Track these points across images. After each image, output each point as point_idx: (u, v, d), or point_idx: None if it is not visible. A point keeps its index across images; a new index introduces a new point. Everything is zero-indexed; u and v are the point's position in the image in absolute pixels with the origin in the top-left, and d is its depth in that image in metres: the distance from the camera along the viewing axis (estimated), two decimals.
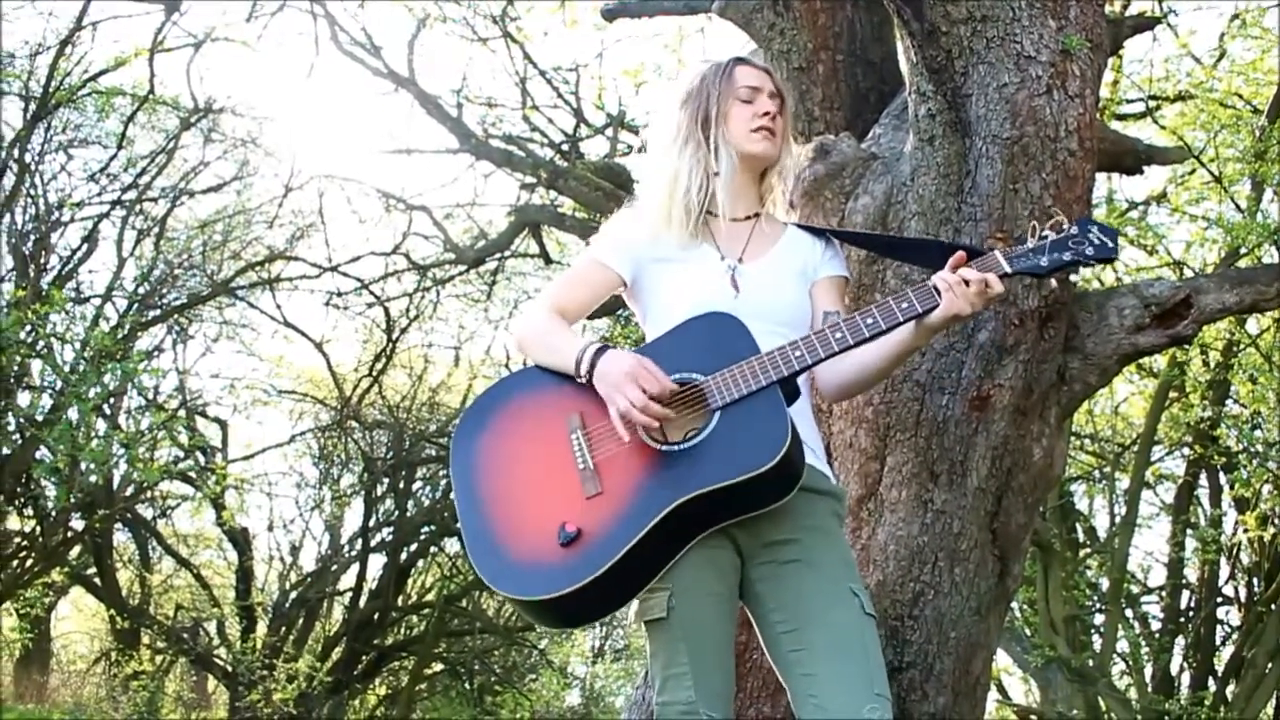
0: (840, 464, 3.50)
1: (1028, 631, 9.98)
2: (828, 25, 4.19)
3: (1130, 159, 4.43)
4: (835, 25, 4.20)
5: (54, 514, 11.01)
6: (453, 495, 2.72)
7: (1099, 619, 10.32)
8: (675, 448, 2.56)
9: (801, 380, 2.72)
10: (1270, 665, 8.70)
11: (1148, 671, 10.08)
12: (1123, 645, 10.13)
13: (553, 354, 2.73)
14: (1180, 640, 10.47)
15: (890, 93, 4.17)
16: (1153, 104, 8.70)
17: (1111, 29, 4.12)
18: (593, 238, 2.98)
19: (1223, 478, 10.17)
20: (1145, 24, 5.09)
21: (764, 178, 2.94)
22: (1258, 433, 9.61)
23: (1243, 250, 7.77)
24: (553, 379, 2.73)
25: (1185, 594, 10.68)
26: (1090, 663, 9.11)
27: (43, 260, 10.83)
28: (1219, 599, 10.34)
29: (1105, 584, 9.90)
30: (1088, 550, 10.65)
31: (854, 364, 2.78)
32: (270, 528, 15.04)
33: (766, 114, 2.85)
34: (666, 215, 2.83)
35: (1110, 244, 2.65)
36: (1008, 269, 2.66)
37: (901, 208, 3.46)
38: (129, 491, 12.23)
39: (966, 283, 2.62)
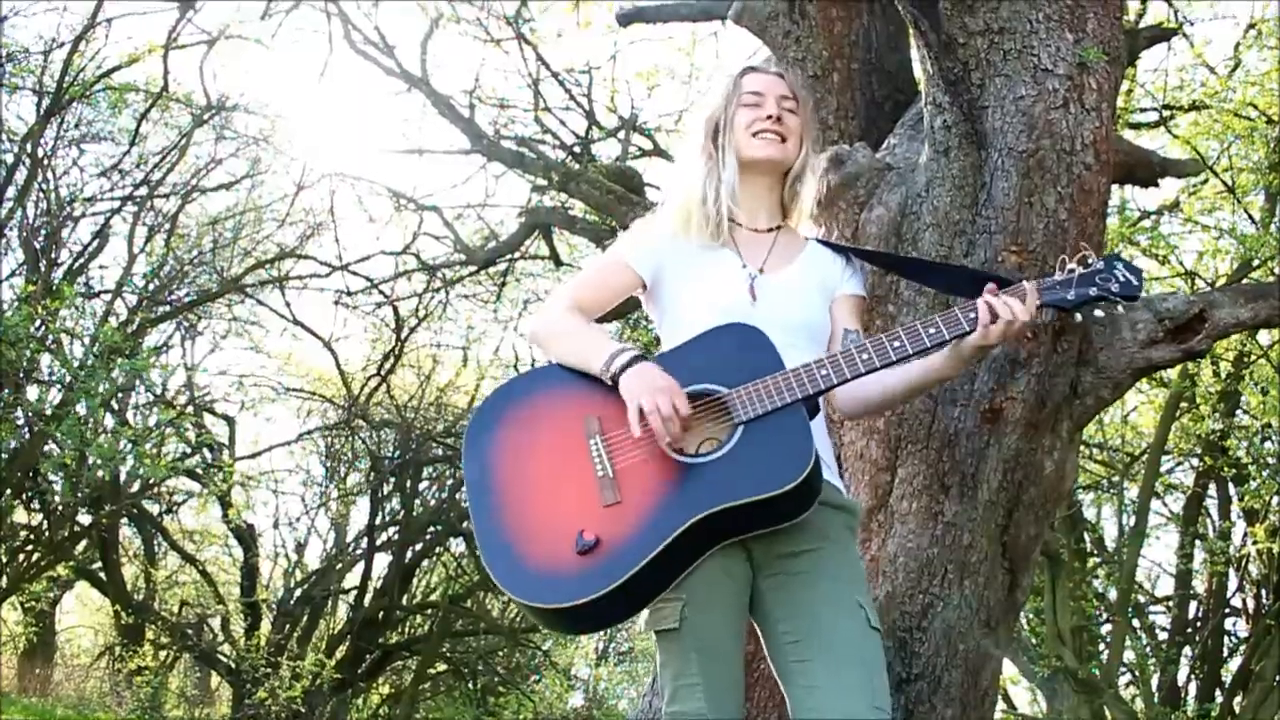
0: (851, 475, 3.49)
1: (1034, 641, 9.96)
2: (844, 33, 4.17)
3: (1145, 171, 4.41)
4: (851, 34, 4.18)
5: (60, 509, 11.03)
6: (465, 496, 2.70)
7: (1106, 629, 10.29)
8: (697, 460, 2.55)
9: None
10: (1278, 678, 8.67)
11: (1154, 682, 10.06)
12: (1129, 656, 10.10)
13: (577, 347, 2.71)
14: (1187, 651, 10.44)
15: (906, 102, 4.16)
16: (1167, 113, 8.67)
17: (1128, 40, 4.10)
18: (614, 239, 2.99)
19: (1232, 489, 10.14)
20: (1162, 35, 5.08)
21: (785, 187, 2.92)
22: (1268, 444, 9.58)
23: (1255, 262, 7.75)
24: (569, 380, 2.70)
25: (1193, 604, 10.65)
26: (1096, 673, 9.09)
27: (54, 255, 10.84)
28: (1227, 610, 10.31)
29: (1113, 594, 9.87)
30: (1097, 560, 10.62)
31: (877, 386, 2.78)
32: (276, 525, 15.10)
33: (768, 116, 2.85)
34: (685, 220, 2.84)
35: (1135, 282, 2.67)
36: (1035, 300, 2.67)
37: (916, 219, 3.45)
38: (135, 487, 12.24)
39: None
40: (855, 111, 4.18)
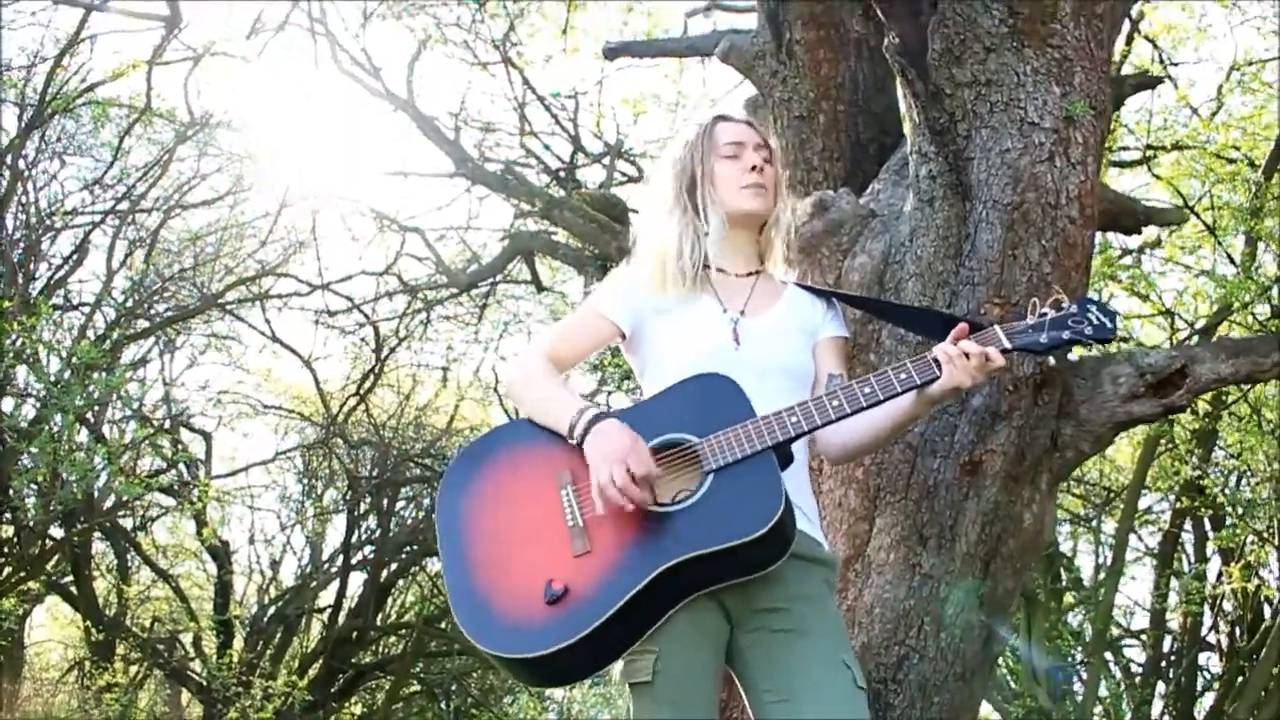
0: (829, 524, 3.46)
1: (1009, 680, 9.94)
2: (831, 75, 4.18)
3: (1129, 219, 4.43)
4: (838, 75, 4.19)
5: (33, 524, 10.91)
6: (438, 547, 2.66)
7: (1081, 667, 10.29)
8: (667, 509, 2.52)
9: (799, 443, 2.68)
10: (1251, 719, 8.68)
11: None
12: (1103, 692, 10.09)
13: (545, 413, 2.69)
14: (1161, 688, 10.44)
15: (891, 144, 4.16)
16: (1149, 153, 8.71)
17: (1113, 87, 4.11)
18: (593, 289, 2.96)
19: (1208, 526, 10.16)
20: (1146, 83, 5.10)
21: (760, 233, 2.91)
22: (1244, 484, 9.60)
23: (1235, 305, 7.77)
24: (544, 433, 2.69)
25: (1168, 639, 10.66)
26: (1070, 710, 9.08)
27: (32, 268, 10.75)
28: (1200, 646, 10.32)
29: (1089, 631, 9.87)
30: (1074, 599, 10.62)
31: (852, 430, 2.76)
32: (251, 541, 14.96)
33: (754, 168, 2.83)
34: (661, 278, 2.82)
35: (1109, 324, 2.65)
36: (1007, 345, 2.65)
37: (899, 268, 3.44)
38: (110, 503, 12.13)
39: (967, 355, 2.60)
40: (840, 153, 4.19)
